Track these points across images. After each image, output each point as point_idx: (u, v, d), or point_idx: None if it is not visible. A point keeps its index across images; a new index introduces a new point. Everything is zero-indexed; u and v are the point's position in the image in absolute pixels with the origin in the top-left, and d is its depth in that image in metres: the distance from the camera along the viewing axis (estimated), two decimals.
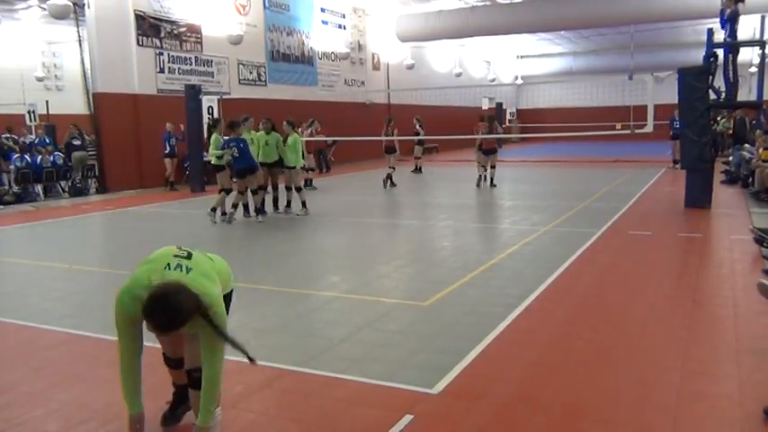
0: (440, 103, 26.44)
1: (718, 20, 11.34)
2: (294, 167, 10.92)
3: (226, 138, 10.12)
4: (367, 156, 22.57)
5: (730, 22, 10.33)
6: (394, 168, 15.13)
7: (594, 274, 6.54)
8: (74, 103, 19.16)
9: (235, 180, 10.34)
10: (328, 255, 8.28)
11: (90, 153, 16.13)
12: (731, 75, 10.38)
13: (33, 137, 16.43)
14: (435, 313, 5.22)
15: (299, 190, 11.04)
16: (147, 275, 2.85)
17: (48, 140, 16.04)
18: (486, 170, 14.72)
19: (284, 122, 11.01)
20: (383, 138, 15.39)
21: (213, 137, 10.35)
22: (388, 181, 14.93)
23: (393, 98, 25.53)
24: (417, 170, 18.76)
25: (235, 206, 10.24)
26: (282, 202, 11.16)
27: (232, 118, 10.60)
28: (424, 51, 28.95)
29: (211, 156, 10.25)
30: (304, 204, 10.93)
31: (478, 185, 14.58)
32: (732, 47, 10.43)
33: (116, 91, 15.20)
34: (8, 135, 15.47)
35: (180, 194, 14.69)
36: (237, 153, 9.94)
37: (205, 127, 14.62)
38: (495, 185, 14.48)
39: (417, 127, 18.22)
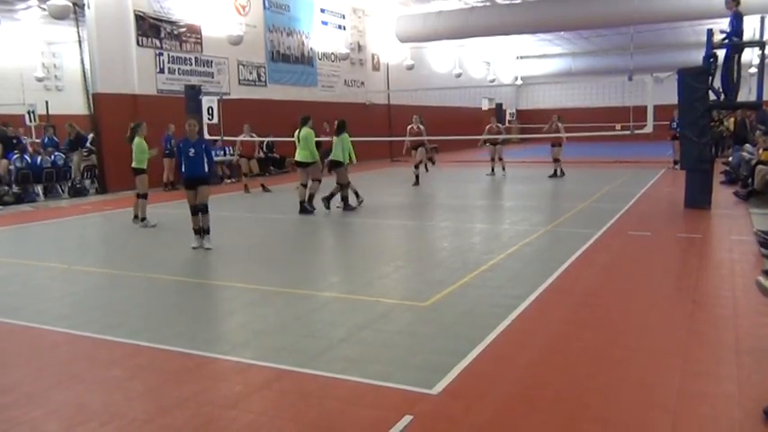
0: (440, 103, 26.44)
1: (717, 20, 11.32)
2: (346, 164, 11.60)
3: (180, 140, 8.40)
4: (365, 157, 22.54)
5: (737, 21, 10.28)
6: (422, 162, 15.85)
7: (594, 274, 6.54)
8: (73, 104, 19.14)
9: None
10: (328, 255, 8.28)
11: (86, 155, 16.12)
12: (735, 75, 10.34)
13: (44, 137, 16.46)
14: (435, 314, 5.22)
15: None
16: None
17: (56, 140, 16.06)
18: (494, 162, 17.56)
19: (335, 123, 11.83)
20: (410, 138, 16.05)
21: (137, 140, 10.04)
22: (419, 175, 15.68)
23: (393, 99, 25.52)
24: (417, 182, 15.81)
25: (197, 231, 8.23)
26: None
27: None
28: (424, 52, 28.94)
29: (139, 160, 10.03)
30: (312, 202, 11.31)
31: (493, 172, 17.62)
32: (735, 47, 10.41)
33: (116, 91, 15.19)
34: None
35: (179, 195, 14.66)
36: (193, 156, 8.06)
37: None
38: (558, 175, 16.39)
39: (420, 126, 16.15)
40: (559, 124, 16.50)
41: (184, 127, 8.32)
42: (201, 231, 8.18)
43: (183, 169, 8.17)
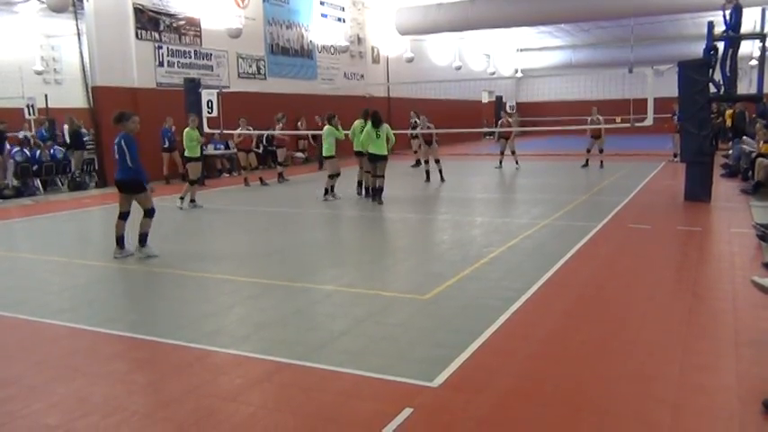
0: (439, 96, 26.37)
1: (719, 12, 11.26)
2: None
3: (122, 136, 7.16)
4: None
5: (736, 15, 10.24)
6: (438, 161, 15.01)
7: (594, 267, 6.54)
8: (73, 97, 19.09)
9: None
10: (328, 248, 8.27)
11: (88, 148, 16.10)
12: (728, 68, 10.33)
13: (36, 130, 16.43)
14: (435, 306, 5.23)
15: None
16: None
17: (47, 134, 16.01)
18: (503, 155, 17.45)
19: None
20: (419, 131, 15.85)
21: (187, 130, 11.55)
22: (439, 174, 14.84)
23: (393, 91, 25.46)
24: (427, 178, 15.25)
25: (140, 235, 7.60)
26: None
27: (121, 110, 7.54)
28: (424, 44, 28.84)
29: (191, 148, 11.52)
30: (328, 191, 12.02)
31: (500, 165, 17.55)
32: (733, 40, 10.38)
33: (115, 84, 15.15)
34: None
35: (179, 188, 14.65)
36: (116, 155, 7.15)
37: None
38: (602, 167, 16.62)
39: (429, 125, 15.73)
40: (599, 117, 16.65)
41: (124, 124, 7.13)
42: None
43: (141, 169, 7.25)
